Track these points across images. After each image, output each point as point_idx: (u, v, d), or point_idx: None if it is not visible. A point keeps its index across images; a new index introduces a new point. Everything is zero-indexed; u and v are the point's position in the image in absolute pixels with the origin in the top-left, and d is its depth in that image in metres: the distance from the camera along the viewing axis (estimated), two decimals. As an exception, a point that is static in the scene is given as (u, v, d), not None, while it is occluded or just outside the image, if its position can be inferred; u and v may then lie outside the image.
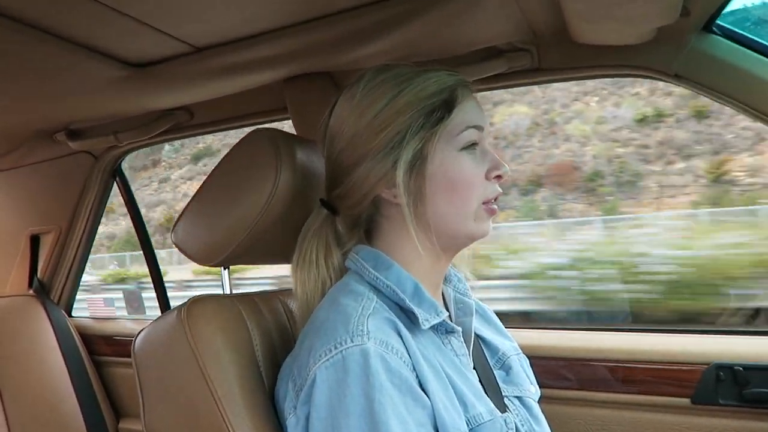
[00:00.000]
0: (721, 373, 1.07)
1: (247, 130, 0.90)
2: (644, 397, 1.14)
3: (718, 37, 1.00)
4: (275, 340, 0.84)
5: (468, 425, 0.68)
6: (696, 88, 1.02)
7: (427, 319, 0.73)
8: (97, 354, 1.82)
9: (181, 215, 0.91)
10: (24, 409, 1.54)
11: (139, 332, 0.84)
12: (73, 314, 1.94)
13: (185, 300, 0.80)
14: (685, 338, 1.19)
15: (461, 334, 0.80)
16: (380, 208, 0.80)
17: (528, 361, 0.94)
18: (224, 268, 0.97)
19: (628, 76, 1.09)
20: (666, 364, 1.13)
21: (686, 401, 1.10)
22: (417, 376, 0.67)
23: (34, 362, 1.62)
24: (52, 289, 1.87)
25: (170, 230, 0.92)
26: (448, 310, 0.88)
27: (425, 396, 0.66)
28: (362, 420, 0.62)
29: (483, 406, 0.72)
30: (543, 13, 0.97)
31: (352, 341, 0.65)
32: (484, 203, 0.77)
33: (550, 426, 0.85)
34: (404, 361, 0.67)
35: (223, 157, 0.89)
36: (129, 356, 0.83)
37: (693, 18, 0.94)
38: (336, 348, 0.66)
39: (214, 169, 0.89)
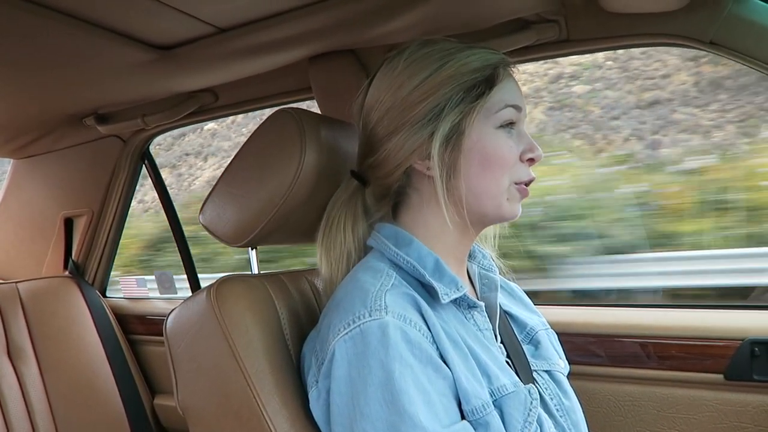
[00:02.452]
0: (756, 349, 1.05)
1: (273, 110, 0.91)
2: (676, 373, 1.12)
3: (757, 1, 0.95)
4: (302, 318, 0.85)
5: (492, 396, 0.69)
6: (732, 55, 0.98)
7: (446, 293, 0.73)
8: (131, 333, 1.87)
9: (208, 196, 0.92)
10: (64, 386, 1.59)
11: (170, 312, 0.85)
12: (107, 295, 1.99)
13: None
14: (719, 314, 1.17)
15: (485, 309, 0.80)
16: (412, 179, 0.80)
17: (557, 336, 0.94)
18: (252, 249, 0.98)
19: (661, 44, 1.06)
20: (699, 339, 1.11)
21: (719, 377, 1.08)
22: (437, 348, 0.68)
23: (71, 341, 1.67)
24: (86, 270, 1.92)
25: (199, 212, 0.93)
26: (473, 286, 0.88)
27: (446, 367, 0.67)
28: (381, 391, 0.62)
29: (507, 377, 0.72)
30: (572, -19, 0.94)
31: (370, 315, 0.66)
32: (516, 183, 0.77)
33: (579, 401, 0.85)
34: (423, 334, 0.67)
35: (248, 138, 0.89)
36: (162, 335, 0.85)
37: (730, -18, 0.90)
38: (354, 322, 0.66)
39: (239, 150, 0.90)
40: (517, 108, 0.77)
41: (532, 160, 0.78)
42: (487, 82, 0.75)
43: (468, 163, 0.75)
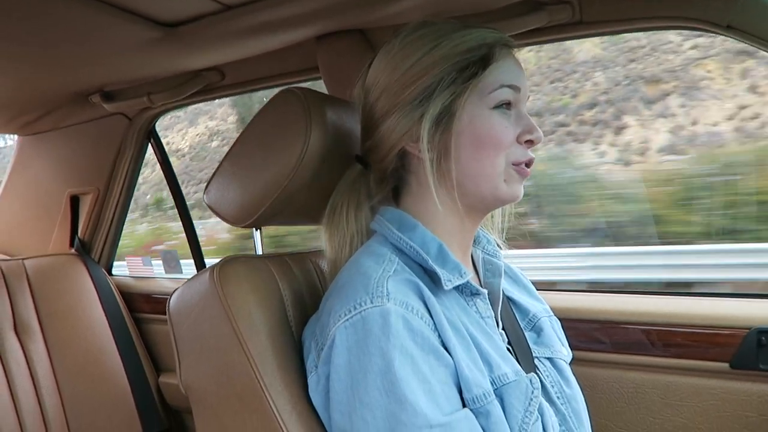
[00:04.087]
0: (763, 338, 1.04)
1: (279, 90, 0.89)
2: (681, 361, 1.12)
3: (776, -15, 0.93)
4: (306, 300, 0.85)
5: (493, 385, 0.68)
6: (750, 39, 0.96)
7: (449, 279, 0.72)
8: (136, 311, 1.88)
9: (213, 176, 0.92)
10: (70, 363, 1.61)
11: (173, 292, 0.85)
12: (113, 273, 2.00)
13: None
14: (725, 302, 1.16)
15: (487, 296, 0.79)
16: (406, 163, 0.79)
17: (560, 323, 0.94)
18: (256, 229, 0.97)
19: (677, 28, 1.03)
20: (704, 327, 1.10)
21: (725, 365, 1.07)
22: (439, 336, 0.67)
23: (77, 319, 1.68)
24: (92, 248, 1.93)
25: (203, 191, 0.93)
26: (477, 272, 0.87)
27: (448, 355, 0.66)
28: (381, 379, 0.62)
29: (508, 366, 0.71)
30: (586, -39, 0.92)
31: (371, 302, 0.65)
32: (513, 164, 0.75)
33: (581, 388, 0.84)
34: (425, 321, 0.66)
35: (254, 117, 0.88)
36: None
37: (749, -36, 0.88)
38: (355, 309, 0.66)
39: (244, 130, 0.89)
40: (514, 88, 0.75)
41: (530, 142, 0.76)
42: (481, 62, 0.73)
43: (460, 145, 0.73)
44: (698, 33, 1.03)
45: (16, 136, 2.02)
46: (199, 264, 1.81)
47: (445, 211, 0.76)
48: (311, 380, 0.71)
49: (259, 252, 0.98)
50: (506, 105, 0.74)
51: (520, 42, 0.85)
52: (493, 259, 0.88)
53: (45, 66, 1.36)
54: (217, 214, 0.90)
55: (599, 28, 1.09)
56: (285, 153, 0.82)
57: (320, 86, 1.31)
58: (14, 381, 1.50)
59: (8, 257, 1.83)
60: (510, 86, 0.74)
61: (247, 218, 0.87)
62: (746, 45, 0.98)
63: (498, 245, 0.91)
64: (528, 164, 0.76)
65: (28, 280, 1.64)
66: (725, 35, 0.98)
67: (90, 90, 1.63)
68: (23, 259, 1.69)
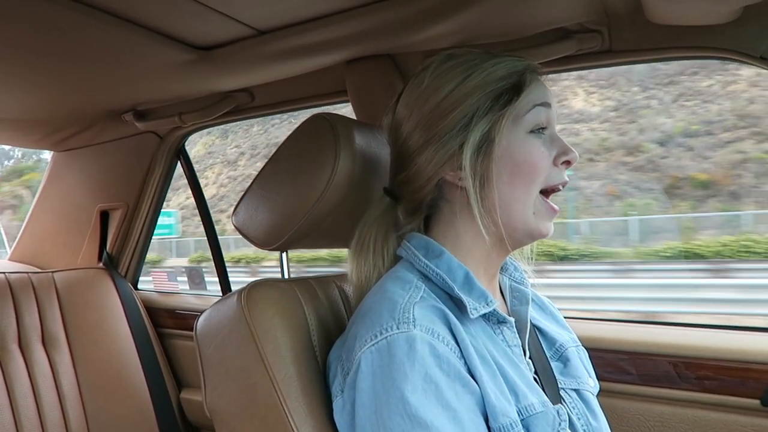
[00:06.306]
0: (796, 375, 1.01)
1: (307, 112, 0.91)
2: (709, 396, 1.09)
3: (812, 16, 0.92)
4: (330, 324, 0.85)
5: (519, 415, 0.67)
6: None
7: (475, 308, 0.72)
8: (160, 326, 1.90)
9: (242, 198, 0.93)
10: (94, 375, 1.63)
11: (201, 314, 0.86)
12: (138, 287, 2.03)
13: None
14: (756, 336, 1.13)
15: (514, 324, 0.78)
16: (444, 192, 0.79)
17: (587, 353, 0.92)
18: (283, 252, 0.98)
19: (708, 58, 1.02)
20: (735, 362, 1.07)
21: (756, 402, 1.04)
22: (465, 363, 0.67)
23: (103, 332, 1.70)
24: (119, 263, 1.96)
25: (232, 213, 0.94)
26: (504, 300, 0.86)
27: (474, 383, 0.66)
28: (405, 405, 0.61)
29: (535, 396, 0.71)
30: (617, -9, 0.92)
31: (398, 328, 0.65)
32: (547, 192, 0.76)
33: (608, 420, 0.83)
34: (451, 349, 0.66)
35: (283, 141, 0.90)
36: (190, 330, 0.86)
37: (784, -5, 0.87)
38: (381, 334, 0.66)
39: (274, 153, 0.90)
40: (546, 105, 0.76)
41: (567, 163, 0.77)
42: (514, 89, 0.74)
43: (499, 171, 0.74)
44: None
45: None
46: (224, 282, 1.83)
47: (477, 238, 0.76)
48: (336, 404, 0.71)
49: (286, 275, 0.99)
50: (541, 129, 0.76)
51: (549, 69, 0.85)
52: (521, 286, 0.88)
53: (81, 84, 1.40)
54: (246, 237, 0.92)
55: (628, 57, 1.09)
56: (314, 177, 0.83)
57: (349, 109, 1.32)
58: (40, 393, 1.52)
59: (39, 270, 1.87)
60: (542, 104, 0.76)
61: (274, 241, 0.88)
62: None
63: (526, 272, 0.91)
64: (563, 186, 0.77)
65: (57, 292, 1.68)
66: (758, 66, 0.97)
67: (123, 109, 1.67)
68: (53, 272, 1.73)
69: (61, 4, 0.94)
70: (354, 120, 0.89)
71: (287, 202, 0.86)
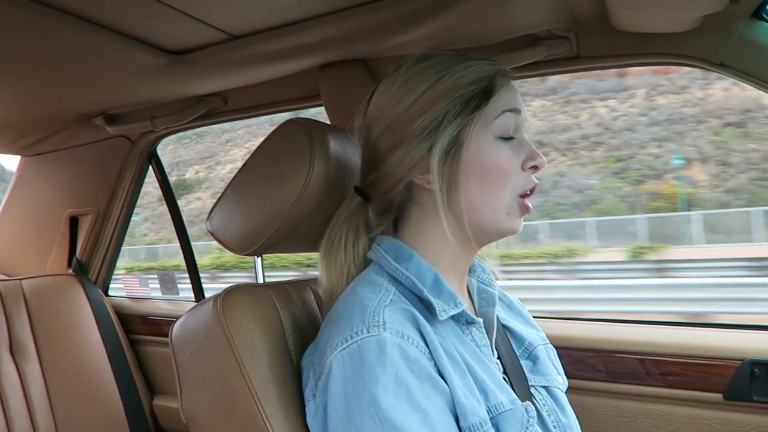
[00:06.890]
0: (756, 370, 1.05)
1: (280, 116, 0.91)
2: (675, 391, 1.12)
3: (769, 25, 0.96)
4: (306, 328, 0.86)
5: (489, 414, 0.68)
6: (742, 77, 0.98)
7: (444, 310, 0.73)
8: (132, 333, 1.87)
9: (216, 203, 0.93)
10: (65, 383, 1.60)
11: (177, 320, 0.86)
12: (109, 293, 2.00)
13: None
14: (719, 333, 1.17)
15: (483, 325, 0.80)
16: (413, 194, 0.80)
17: (555, 351, 0.94)
18: (257, 257, 0.98)
19: (671, 64, 1.06)
20: (699, 358, 1.11)
21: (718, 396, 1.08)
22: (435, 365, 0.68)
23: (73, 339, 1.67)
24: (90, 268, 1.93)
25: (206, 218, 0.94)
26: (472, 301, 0.88)
27: (444, 383, 0.67)
28: (376, 408, 0.62)
29: (504, 395, 0.72)
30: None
31: (368, 331, 0.66)
32: (520, 196, 0.77)
33: (577, 416, 0.85)
34: (421, 350, 0.67)
35: (258, 147, 0.89)
36: (163, 335, 0.86)
37: (742, 5, 0.90)
38: (352, 338, 0.66)
39: (248, 158, 0.90)
40: (515, 111, 0.77)
41: (535, 168, 0.77)
42: (484, 94, 0.75)
43: (468, 175, 0.74)
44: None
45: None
46: (197, 287, 1.82)
47: (444, 240, 0.77)
48: (309, 409, 0.72)
49: (260, 280, 0.99)
50: (509, 138, 0.76)
51: (519, 74, 0.87)
52: (488, 288, 0.89)
53: (50, 89, 1.38)
54: (220, 242, 0.91)
55: (595, 62, 1.12)
56: (289, 182, 0.83)
57: (322, 113, 1.33)
58: (8, 402, 1.49)
59: (6, 277, 1.82)
60: (511, 110, 0.76)
61: (249, 246, 0.88)
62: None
63: (493, 273, 0.92)
64: (531, 191, 0.78)
65: (25, 300, 1.64)
66: (717, 72, 1.01)
67: (94, 113, 1.65)
68: (21, 279, 1.69)
69: (30, 9, 0.92)
70: (328, 125, 0.90)
71: (262, 207, 0.86)
